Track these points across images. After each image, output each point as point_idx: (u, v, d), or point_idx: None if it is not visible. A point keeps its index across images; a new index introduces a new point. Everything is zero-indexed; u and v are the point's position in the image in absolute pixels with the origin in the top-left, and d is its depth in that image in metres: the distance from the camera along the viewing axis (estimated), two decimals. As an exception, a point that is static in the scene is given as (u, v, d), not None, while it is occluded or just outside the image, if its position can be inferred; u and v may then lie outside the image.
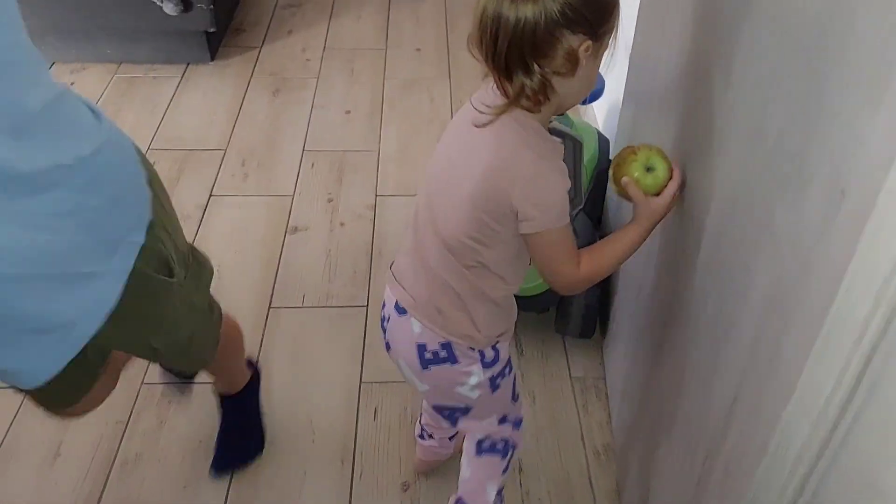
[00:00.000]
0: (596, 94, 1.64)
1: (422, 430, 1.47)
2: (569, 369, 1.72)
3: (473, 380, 1.14)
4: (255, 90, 2.61)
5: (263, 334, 1.78)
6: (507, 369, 1.20)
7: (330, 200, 2.17)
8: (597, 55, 0.94)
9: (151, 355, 1.29)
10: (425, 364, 1.13)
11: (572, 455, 1.56)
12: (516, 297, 1.18)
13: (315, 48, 2.85)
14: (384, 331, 1.19)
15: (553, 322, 1.72)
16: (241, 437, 1.55)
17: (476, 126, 0.99)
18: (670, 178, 1.05)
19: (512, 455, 1.28)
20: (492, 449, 1.25)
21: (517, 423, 1.28)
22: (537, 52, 0.90)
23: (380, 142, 2.39)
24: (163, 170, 2.25)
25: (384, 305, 1.18)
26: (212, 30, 2.61)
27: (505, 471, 1.27)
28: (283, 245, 2.01)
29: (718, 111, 0.96)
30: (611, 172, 1.09)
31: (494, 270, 1.06)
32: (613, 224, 1.73)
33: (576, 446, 1.58)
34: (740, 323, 0.88)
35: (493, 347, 1.15)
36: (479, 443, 1.25)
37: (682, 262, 1.10)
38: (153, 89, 2.60)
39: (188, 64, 2.72)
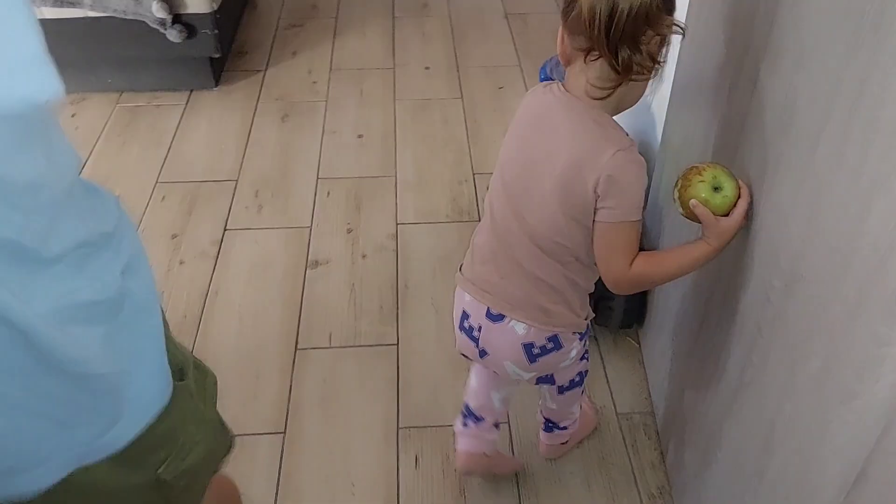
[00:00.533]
0: None
1: (464, 418, 1.39)
2: (614, 405, 1.64)
3: (574, 353, 1.24)
4: (263, 116, 2.53)
5: (292, 378, 1.70)
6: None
7: (349, 231, 2.09)
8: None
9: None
10: (533, 359, 1.20)
11: (626, 499, 1.49)
12: None
13: (321, 69, 2.78)
14: (474, 340, 1.21)
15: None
16: None
17: (593, 98, 1.03)
18: (739, 196, 1.01)
19: (586, 375, 1.38)
20: (571, 385, 1.37)
21: (587, 353, 1.36)
22: (641, 32, 0.97)
23: (396, 167, 2.31)
24: (174, 204, 2.17)
25: (465, 315, 1.21)
26: (216, 55, 2.53)
27: (583, 391, 1.41)
28: (304, 281, 1.93)
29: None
30: (676, 194, 1.05)
31: (587, 263, 1.12)
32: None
33: (629, 490, 1.50)
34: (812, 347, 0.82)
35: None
36: (560, 386, 1.37)
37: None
38: (157, 118, 2.52)
39: (192, 91, 2.63)
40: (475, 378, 1.39)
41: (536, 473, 1.53)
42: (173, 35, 2.39)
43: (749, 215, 1.03)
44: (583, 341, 1.27)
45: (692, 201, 1.01)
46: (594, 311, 1.60)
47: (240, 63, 2.81)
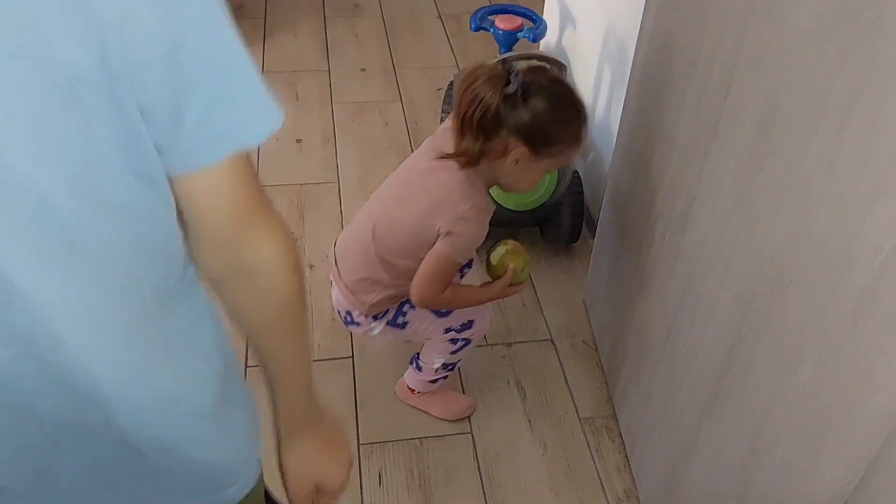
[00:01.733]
0: (539, 36, 2.00)
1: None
2: (576, 409, 1.63)
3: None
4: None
5: (242, 398, 1.61)
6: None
7: (295, 241, 2.01)
8: (535, 164, 1.26)
9: None
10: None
11: (594, 505, 1.48)
12: (514, 212, 1.81)
13: (253, 72, 2.67)
14: None
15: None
16: None
17: (437, 159, 1.30)
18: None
19: (465, 345, 1.49)
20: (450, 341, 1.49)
21: (465, 325, 1.46)
22: (488, 131, 1.23)
23: (338, 172, 2.25)
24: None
25: None
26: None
27: (454, 352, 1.49)
28: (250, 294, 1.85)
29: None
30: (500, 252, 1.38)
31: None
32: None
33: (596, 495, 1.49)
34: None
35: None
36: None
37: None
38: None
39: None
40: None
41: (504, 483, 1.50)
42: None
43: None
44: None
45: (511, 265, 1.36)
46: (542, 234, 2.00)
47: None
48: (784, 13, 0.90)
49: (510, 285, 1.38)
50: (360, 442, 1.55)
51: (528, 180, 1.31)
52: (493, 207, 1.34)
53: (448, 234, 1.27)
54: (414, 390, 1.58)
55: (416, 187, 1.34)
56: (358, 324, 1.47)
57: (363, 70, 2.72)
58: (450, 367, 1.53)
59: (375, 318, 1.45)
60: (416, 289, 1.32)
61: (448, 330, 1.45)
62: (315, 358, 1.70)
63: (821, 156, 0.83)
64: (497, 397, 1.64)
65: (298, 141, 2.36)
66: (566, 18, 2.20)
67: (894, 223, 0.72)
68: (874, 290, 0.75)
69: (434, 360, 1.51)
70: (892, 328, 0.73)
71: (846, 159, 0.78)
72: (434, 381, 1.55)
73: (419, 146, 1.42)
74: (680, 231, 1.24)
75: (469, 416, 1.60)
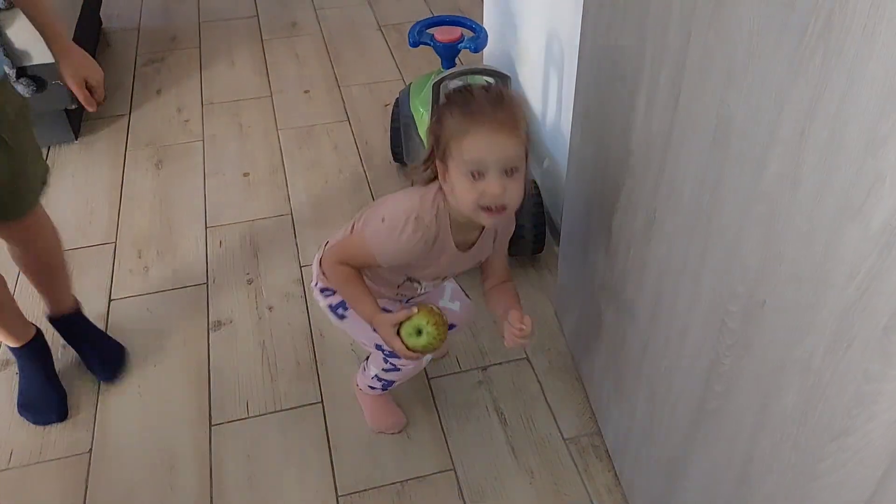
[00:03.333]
0: (480, 45, 1.91)
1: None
2: (559, 431, 1.57)
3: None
4: (134, 165, 2.32)
5: (211, 460, 1.53)
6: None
7: (250, 282, 1.93)
8: (450, 171, 1.15)
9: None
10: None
11: (588, 531, 1.42)
12: None
13: (192, 106, 2.58)
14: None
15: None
16: (101, 340, 1.72)
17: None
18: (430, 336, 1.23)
19: (395, 371, 1.44)
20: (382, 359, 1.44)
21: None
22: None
23: (290, 203, 2.16)
24: (46, 279, 1.93)
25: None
26: (72, 107, 2.29)
27: (385, 371, 1.45)
28: (208, 345, 1.76)
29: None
30: (404, 328, 1.25)
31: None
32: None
33: (589, 519, 1.44)
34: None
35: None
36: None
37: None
38: (13, 183, 2.26)
39: (49, 147, 2.38)
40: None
41: (492, 520, 1.44)
42: (20, 90, 2.14)
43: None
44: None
45: (413, 343, 1.24)
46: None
47: (100, 109, 2.55)
48: (727, 19, 0.84)
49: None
50: (339, 493, 1.47)
51: (459, 193, 1.15)
52: (446, 239, 1.25)
53: (371, 222, 1.27)
54: (357, 385, 1.58)
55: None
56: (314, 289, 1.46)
57: (307, 92, 2.64)
58: (385, 384, 1.51)
59: (323, 291, 1.42)
60: (328, 244, 1.38)
61: (378, 347, 1.39)
62: (283, 407, 1.63)
63: (781, 172, 0.77)
64: (477, 427, 1.58)
65: (245, 174, 2.28)
66: (506, 25, 2.14)
67: (867, 244, 0.66)
68: (854, 313, 0.70)
69: (371, 367, 1.49)
70: (879, 354, 0.68)
71: (810, 175, 0.73)
72: (371, 388, 1.54)
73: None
74: (644, 244, 1.18)
75: (450, 448, 1.53)
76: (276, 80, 2.70)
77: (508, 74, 1.83)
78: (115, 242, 2.05)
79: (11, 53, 2.11)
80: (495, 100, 1.12)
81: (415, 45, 2.01)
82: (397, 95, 2.20)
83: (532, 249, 1.89)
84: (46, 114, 2.29)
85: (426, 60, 2.74)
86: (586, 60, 1.38)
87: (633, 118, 1.16)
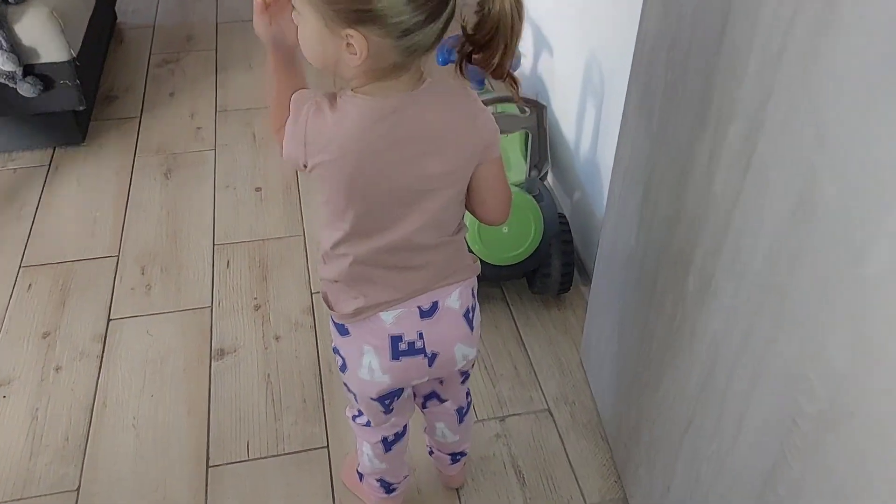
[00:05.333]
0: (513, 67, 1.67)
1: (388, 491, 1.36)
2: (582, 495, 1.46)
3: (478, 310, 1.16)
4: (143, 173, 2.22)
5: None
6: None
7: (257, 308, 1.82)
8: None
9: None
10: (471, 325, 1.12)
11: None
12: (500, 267, 1.68)
13: (205, 112, 2.48)
14: (421, 352, 1.09)
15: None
16: None
17: None
18: None
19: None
20: (469, 407, 1.32)
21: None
22: None
23: (303, 224, 2.06)
24: (42, 292, 1.83)
25: (397, 339, 1.07)
26: (80, 108, 2.19)
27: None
28: (210, 376, 1.66)
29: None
30: None
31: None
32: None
33: None
34: None
35: None
36: (459, 410, 1.30)
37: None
38: (16, 185, 2.16)
39: (55, 148, 2.28)
40: (394, 451, 1.27)
41: (507, 591, 1.32)
42: (26, 89, 2.05)
43: None
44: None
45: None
46: (530, 285, 1.80)
47: (110, 110, 2.47)
48: (821, 77, 0.73)
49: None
50: (342, 551, 1.37)
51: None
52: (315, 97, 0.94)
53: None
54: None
55: None
56: (474, 306, 1.17)
57: (325, 103, 2.53)
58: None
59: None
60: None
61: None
62: (286, 450, 1.52)
63: (887, 259, 0.66)
64: (493, 486, 1.46)
65: (257, 189, 2.17)
66: (541, 44, 2.03)
67: None
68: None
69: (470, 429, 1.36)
70: None
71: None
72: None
73: None
74: (696, 310, 1.07)
75: (463, 510, 1.42)
76: (295, 89, 2.59)
77: (545, 104, 1.73)
78: (118, 256, 1.94)
79: (18, 50, 2.01)
80: None
81: (444, 62, 1.89)
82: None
83: (558, 289, 1.77)
84: (53, 115, 2.19)
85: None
86: (635, 99, 1.27)
87: (690, 172, 1.05)
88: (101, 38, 2.59)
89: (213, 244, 1.98)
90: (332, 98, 0.92)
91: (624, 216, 1.35)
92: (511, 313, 1.79)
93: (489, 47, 0.90)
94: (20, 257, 1.93)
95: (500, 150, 1.00)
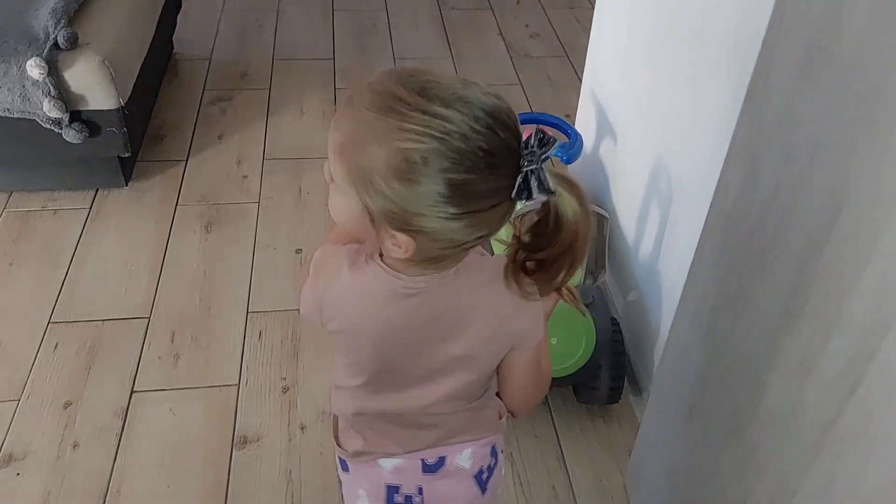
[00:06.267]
0: (573, 156, 1.63)
1: None
2: None
3: (502, 469, 1.06)
4: (184, 224, 2.15)
5: None
6: None
7: (286, 389, 1.73)
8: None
9: None
10: (485, 487, 1.00)
11: None
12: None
13: (253, 158, 2.41)
14: None
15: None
16: None
17: None
18: None
19: None
20: None
21: None
22: None
23: (341, 295, 1.96)
24: (69, 354, 1.78)
25: (393, 489, 0.97)
26: (126, 155, 2.14)
27: None
28: (229, 469, 1.57)
29: None
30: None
31: None
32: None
33: None
34: None
35: None
36: None
37: None
38: (55, 228, 2.11)
39: (97, 190, 2.24)
40: None
41: None
42: (71, 136, 2.00)
43: None
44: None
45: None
46: (576, 393, 1.69)
47: (157, 151, 2.42)
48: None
49: None
50: None
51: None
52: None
53: None
54: None
55: None
56: (493, 466, 1.05)
57: (375, 157, 2.44)
58: None
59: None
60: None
61: None
62: (302, 564, 1.43)
63: None
64: None
65: (298, 251, 2.09)
66: (604, 131, 1.90)
67: None
68: None
69: None
70: None
71: None
72: None
73: None
74: (800, 472, 0.92)
75: None
76: (345, 139, 2.51)
77: (607, 215, 1.61)
78: (149, 318, 1.87)
79: (66, 97, 1.96)
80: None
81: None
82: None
83: (606, 399, 1.65)
84: (97, 159, 2.14)
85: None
86: (711, 252, 1.13)
87: (775, 366, 0.92)
88: (154, 77, 2.55)
89: (247, 311, 1.91)
90: (356, 256, 0.83)
91: (696, 335, 1.21)
92: (553, 421, 1.68)
93: (551, 264, 0.78)
94: (50, 311, 1.87)
95: (539, 338, 0.87)
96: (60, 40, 1.92)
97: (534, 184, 0.69)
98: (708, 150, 1.32)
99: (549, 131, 1.76)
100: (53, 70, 1.90)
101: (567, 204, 0.73)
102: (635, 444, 1.52)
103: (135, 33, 2.22)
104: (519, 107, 2.69)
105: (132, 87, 2.11)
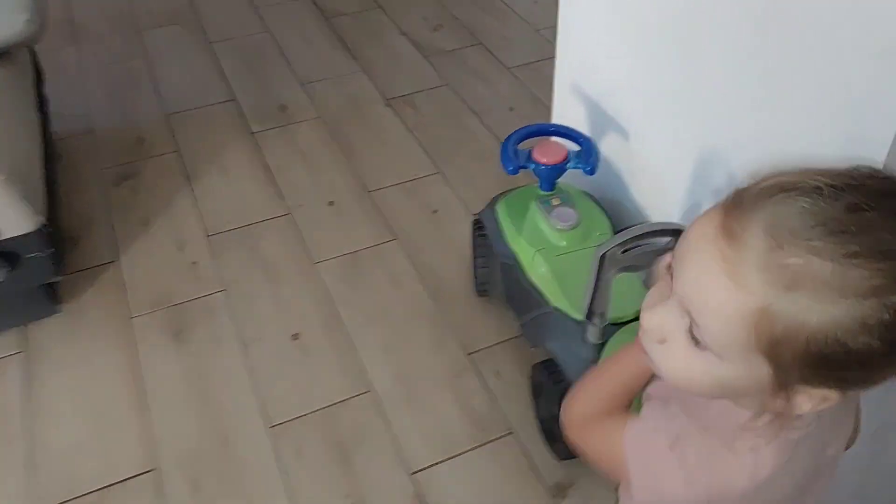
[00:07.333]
0: (594, 165, 1.53)
1: None
2: None
3: None
4: (147, 341, 1.80)
5: None
6: None
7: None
8: None
9: None
10: None
11: None
12: None
13: (194, 240, 2.07)
14: None
15: None
16: None
17: None
18: None
19: None
20: None
21: None
22: None
23: (368, 374, 1.72)
24: (77, 547, 1.43)
25: None
26: (57, 279, 1.76)
27: None
28: None
29: None
30: None
31: None
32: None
33: None
34: None
35: None
36: None
37: None
38: (-13, 390, 1.72)
39: (26, 325, 1.84)
40: None
41: None
42: (-11, 276, 1.61)
43: None
44: None
45: None
46: None
47: (78, 257, 2.02)
48: None
49: None
50: None
51: None
52: None
53: None
54: None
55: None
56: None
57: (331, 204, 2.17)
58: None
59: None
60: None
61: None
62: None
63: None
64: None
65: (295, 336, 1.81)
66: (607, 128, 1.74)
67: None
68: None
69: None
70: None
71: None
72: None
73: None
74: None
75: None
76: (288, 190, 2.21)
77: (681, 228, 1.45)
78: (158, 469, 1.55)
79: (-27, 232, 1.57)
80: None
81: (515, 171, 1.59)
82: (476, 214, 1.78)
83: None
84: (22, 293, 1.76)
85: (453, 138, 2.32)
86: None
87: None
88: (49, 172, 2.13)
89: (266, 426, 1.62)
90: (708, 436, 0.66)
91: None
92: None
93: None
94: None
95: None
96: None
97: None
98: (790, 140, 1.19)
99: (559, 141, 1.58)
100: (-51, 205, 1.51)
101: None
102: None
103: (23, 130, 1.83)
104: (455, 114, 2.48)
105: (44, 196, 1.73)
